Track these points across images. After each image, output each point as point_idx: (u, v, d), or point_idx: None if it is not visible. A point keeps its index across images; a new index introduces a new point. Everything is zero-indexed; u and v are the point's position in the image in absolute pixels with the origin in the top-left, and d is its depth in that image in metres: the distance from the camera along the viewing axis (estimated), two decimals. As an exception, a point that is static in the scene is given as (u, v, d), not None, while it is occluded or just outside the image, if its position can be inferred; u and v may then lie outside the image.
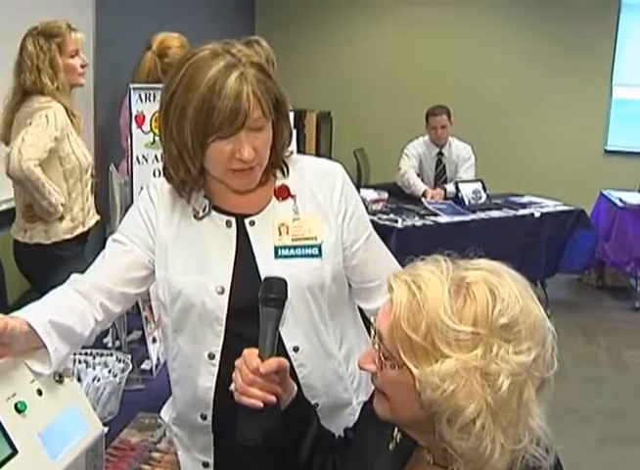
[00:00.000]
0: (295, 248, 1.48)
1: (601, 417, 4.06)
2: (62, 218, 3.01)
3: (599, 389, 4.40)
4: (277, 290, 1.29)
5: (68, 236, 3.05)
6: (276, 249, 1.48)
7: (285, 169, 1.52)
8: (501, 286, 1.04)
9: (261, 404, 1.22)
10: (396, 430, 1.16)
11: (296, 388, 1.36)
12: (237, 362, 1.26)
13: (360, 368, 1.16)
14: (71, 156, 2.98)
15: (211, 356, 1.48)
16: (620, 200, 5.97)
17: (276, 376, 1.26)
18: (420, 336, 1.02)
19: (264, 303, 1.28)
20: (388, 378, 1.09)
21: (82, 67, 3.09)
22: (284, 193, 1.52)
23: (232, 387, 1.27)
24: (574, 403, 3.92)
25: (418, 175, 5.72)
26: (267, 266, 1.46)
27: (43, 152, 2.82)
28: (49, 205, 2.90)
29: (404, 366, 1.04)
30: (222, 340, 1.47)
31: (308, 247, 1.49)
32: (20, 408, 1.20)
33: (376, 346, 1.11)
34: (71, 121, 2.99)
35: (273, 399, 1.24)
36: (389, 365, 1.08)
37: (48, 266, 2.76)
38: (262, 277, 1.44)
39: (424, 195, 5.55)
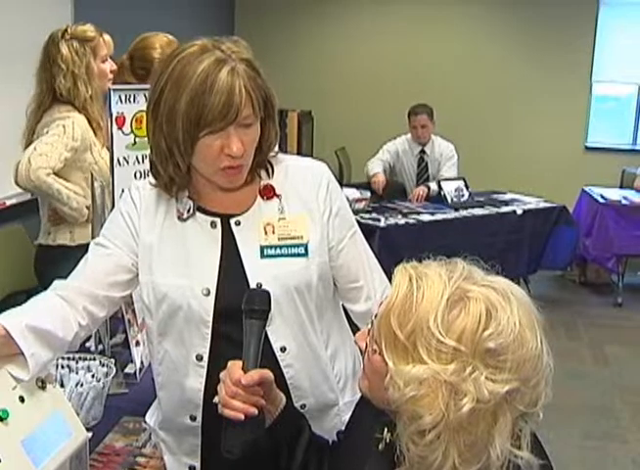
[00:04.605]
0: (281, 247, 1.47)
1: (583, 413, 4.08)
2: (89, 221, 2.78)
3: (581, 385, 4.42)
4: (259, 301, 1.29)
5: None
6: (262, 248, 1.47)
7: (270, 170, 1.52)
8: (502, 309, 1.00)
9: (242, 417, 1.22)
10: (386, 430, 1.15)
11: (284, 399, 1.35)
12: (221, 375, 1.26)
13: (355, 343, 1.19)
14: (94, 166, 2.80)
15: (199, 358, 1.47)
16: (602, 196, 6.00)
17: (259, 388, 1.25)
18: (404, 334, 1.02)
19: (247, 315, 1.28)
20: (371, 361, 1.10)
21: (111, 72, 2.87)
22: (269, 192, 1.50)
23: (216, 399, 1.26)
24: (557, 399, 3.85)
25: (391, 171, 5.76)
26: (253, 266, 1.45)
27: (57, 161, 2.66)
28: (71, 209, 2.76)
29: (383, 357, 1.05)
30: (209, 341, 1.45)
31: (295, 246, 1.48)
32: (2, 416, 1.18)
33: (369, 326, 1.11)
34: (95, 133, 2.81)
35: (254, 411, 1.23)
36: (373, 350, 1.09)
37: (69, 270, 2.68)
38: (249, 277, 1.45)
39: (373, 177, 5.57)
